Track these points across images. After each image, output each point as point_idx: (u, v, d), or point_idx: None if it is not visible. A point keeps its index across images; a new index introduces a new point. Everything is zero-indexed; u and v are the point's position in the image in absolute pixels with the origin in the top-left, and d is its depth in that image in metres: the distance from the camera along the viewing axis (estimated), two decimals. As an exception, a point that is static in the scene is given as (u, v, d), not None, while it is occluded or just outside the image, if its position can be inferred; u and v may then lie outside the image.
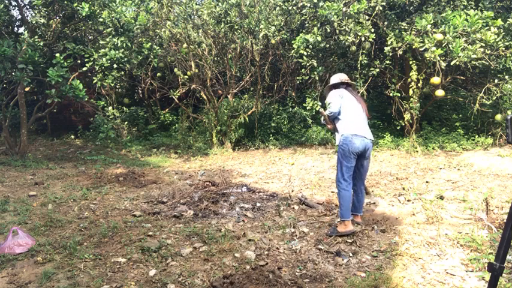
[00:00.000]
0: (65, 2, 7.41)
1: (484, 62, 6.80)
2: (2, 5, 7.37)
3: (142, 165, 7.36)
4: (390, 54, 7.21)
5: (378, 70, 7.57)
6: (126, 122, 9.38)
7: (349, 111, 4.03)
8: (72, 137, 10.02)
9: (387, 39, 7.19)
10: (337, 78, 4.24)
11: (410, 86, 7.46)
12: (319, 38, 7.39)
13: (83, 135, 9.94)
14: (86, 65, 7.77)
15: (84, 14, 7.21)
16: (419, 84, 7.47)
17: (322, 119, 4.34)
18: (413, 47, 6.87)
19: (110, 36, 8.04)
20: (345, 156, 3.91)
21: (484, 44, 6.51)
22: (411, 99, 7.54)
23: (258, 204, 4.93)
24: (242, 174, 6.61)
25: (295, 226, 4.15)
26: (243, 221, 4.37)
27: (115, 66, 7.84)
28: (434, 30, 6.74)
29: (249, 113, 8.98)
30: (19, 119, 7.68)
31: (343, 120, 4.04)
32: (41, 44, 7.40)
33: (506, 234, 1.81)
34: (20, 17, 8.02)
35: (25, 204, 4.79)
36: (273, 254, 3.52)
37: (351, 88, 4.21)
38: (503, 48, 6.72)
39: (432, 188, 5.28)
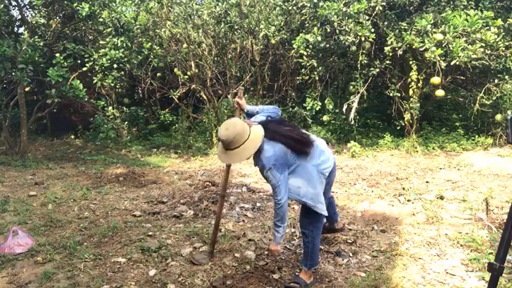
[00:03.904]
0: (65, 2, 7.41)
1: (484, 62, 6.79)
2: (2, 5, 7.37)
3: (142, 165, 7.36)
4: (390, 54, 7.21)
5: (377, 70, 7.57)
6: (126, 122, 9.36)
7: None
8: (72, 137, 10.01)
9: (387, 39, 7.19)
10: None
11: (410, 86, 7.45)
12: (319, 38, 7.39)
13: (83, 135, 9.93)
14: (86, 65, 7.76)
15: (84, 14, 7.21)
16: (419, 84, 7.47)
17: None
18: (413, 47, 6.87)
19: (110, 36, 8.04)
20: None
21: (484, 44, 6.51)
22: (411, 99, 7.54)
23: (258, 204, 4.93)
24: (242, 174, 6.61)
25: (295, 226, 4.14)
26: (243, 221, 4.38)
27: (115, 66, 7.84)
28: (434, 30, 6.73)
29: (249, 113, 8.96)
30: (19, 119, 7.68)
31: None
32: (41, 44, 7.39)
33: (506, 235, 1.81)
34: (20, 17, 8.02)
35: (25, 204, 4.79)
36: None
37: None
38: (503, 48, 6.72)
39: (432, 188, 5.28)
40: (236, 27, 8.12)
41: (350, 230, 4.06)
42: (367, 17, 7.03)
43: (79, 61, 7.85)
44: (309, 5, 7.49)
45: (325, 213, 2.90)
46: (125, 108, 10.20)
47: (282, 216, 2.79)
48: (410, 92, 7.50)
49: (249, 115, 3.25)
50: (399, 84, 7.97)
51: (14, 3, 7.77)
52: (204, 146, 8.91)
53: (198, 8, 8.12)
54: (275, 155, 2.69)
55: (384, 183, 5.70)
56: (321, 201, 2.85)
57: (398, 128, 8.21)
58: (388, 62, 7.50)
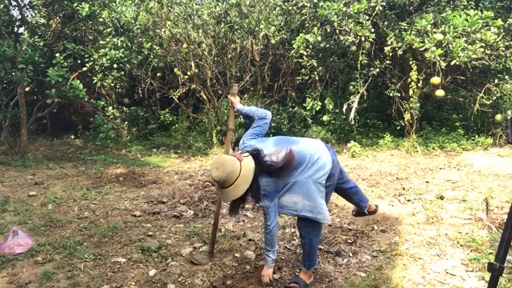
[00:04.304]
0: (65, 2, 7.41)
1: (484, 62, 6.79)
2: (2, 5, 7.37)
3: (142, 165, 7.36)
4: (390, 54, 7.21)
5: (377, 70, 7.57)
6: (126, 122, 9.37)
7: None
8: (72, 137, 10.01)
9: (387, 39, 7.19)
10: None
11: (410, 86, 7.46)
12: (319, 38, 7.39)
13: (83, 135, 9.93)
14: (86, 65, 7.76)
15: (84, 14, 7.21)
16: (419, 84, 7.47)
17: None
18: (413, 47, 6.87)
19: (110, 36, 8.04)
20: None
21: (484, 44, 6.51)
22: (411, 99, 7.54)
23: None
24: (242, 174, 6.60)
25: (295, 226, 4.14)
26: (243, 221, 4.37)
27: (115, 66, 7.84)
28: (434, 30, 6.74)
29: (249, 112, 8.95)
30: (19, 119, 7.68)
31: None
32: (41, 44, 7.39)
33: (506, 235, 1.82)
34: (20, 17, 8.02)
35: (25, 204, 4.79)
36: (273, 254, 3.51)
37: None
38: (503, 48, 6.72)
39: (432, 188, 5.28)
40: (236, 27, 8.12)
41: (350, 230, 4.06)
42: (367, 17, 7.03)
43: (79, 61, 7.85)
44: (309, 5, 7.49)
45: (327, 221, 2.88)
46: (125, 108, 10.20)
47: (271, 241, 2.85)
48: (410, 92, 7.50)
49: (243, 115, 3.28)
50: (399, 84, 7.97)
51: (14, 3, 7.77)
52: (204, 146, 8.91)
53: (198, 8, 8.12)
54: (263, 186, 2.71)
55: (384, 183, 5.70)
56: (320, 212, 2.80)
57: (398, 128, 8.21)
58: (388, 62, 7.50)
